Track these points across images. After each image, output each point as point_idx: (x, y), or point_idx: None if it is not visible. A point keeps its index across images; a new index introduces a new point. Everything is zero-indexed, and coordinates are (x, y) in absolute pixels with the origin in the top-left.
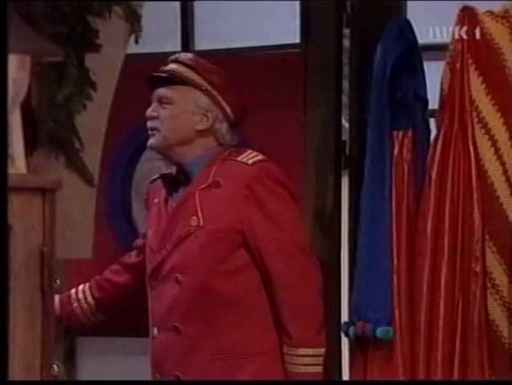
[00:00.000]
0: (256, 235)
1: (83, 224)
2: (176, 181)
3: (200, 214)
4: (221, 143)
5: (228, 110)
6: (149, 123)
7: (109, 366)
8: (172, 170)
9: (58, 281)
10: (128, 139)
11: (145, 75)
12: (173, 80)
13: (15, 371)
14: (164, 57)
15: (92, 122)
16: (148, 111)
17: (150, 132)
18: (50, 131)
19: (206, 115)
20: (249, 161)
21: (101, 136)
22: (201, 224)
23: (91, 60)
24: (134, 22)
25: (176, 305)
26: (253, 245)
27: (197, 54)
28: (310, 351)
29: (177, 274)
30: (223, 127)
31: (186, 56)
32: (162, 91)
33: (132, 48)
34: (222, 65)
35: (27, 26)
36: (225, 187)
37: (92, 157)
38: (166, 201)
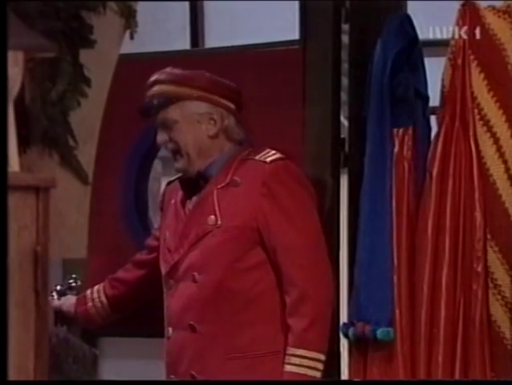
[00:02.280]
0: (271, 232)
1: (78, 223)
2: (194, 183)
3: (217, 213)
4: (233, 140)
5: (227, 103)
6: (166, 148)
7: (131, 369)
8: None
9: (78, 281)
10: (142, 138)
11: (138, 107)
12: (165, 102)
13: (9, 372)
14: (174, 55)
15: (87, 119)
16: (158, 140)
17: (173, 157)
18: (44, 129)
19: (212, 118)
20: (268, 159)
21: (96, 134)
22: (219, 223)
23: (85, 56)
24: (129, 17)
25: (192, 304)
26: (268, 242)
27: (205, 53)
28: (309, 354)
29: (194, 273)
30: (231, 121)
31: (163, 74)
32: (161, 116)
33: (143, 47)
34: (223, 62)
35: (21, 22)
36: (243, 185)
37: (87, 155)
38: (183, 203)
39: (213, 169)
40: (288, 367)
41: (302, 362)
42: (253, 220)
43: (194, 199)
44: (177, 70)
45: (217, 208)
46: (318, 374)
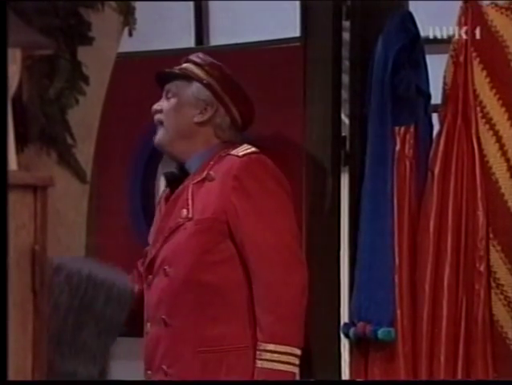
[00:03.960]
0: (240, 225)
1: (76, 222)
2: (177, 179)
3: (190, 206)
4: (222, 139)
5: (231, 105)
6: (155, 117)
7: (131, 368)
8: (175, 169)
9: None
10: (149, 136)
11: (155, 73)
12: (179, 76)
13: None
14: (177, 53)
15: (85, 117)
16: (154, 106)
17: (157, 128)
18: (42, 127)
19: (206, 108)
20: (240, 153)
21: (94, 132)
22: (190, 215)
23: (83, 53)
24: (128, 14)
25: (164, 298)
26: (236, 235)
27: (206, 51)
28: (280, 348)
29: (165, 267)
30: (224, 121)
31: (196, 55)
32: (168, 86)
33: (149, 45)
34: (226, 60)
35: (19, 19)
36: (217, 179)
37: (85, 153)
38: (167, 199)
39: (195, 164)
40: (259, 363)
41: (273, 356)
42: (223, 213)
43: (173, 195)
44: (205, 56)
45: (190, 202)
46: (293, 369)
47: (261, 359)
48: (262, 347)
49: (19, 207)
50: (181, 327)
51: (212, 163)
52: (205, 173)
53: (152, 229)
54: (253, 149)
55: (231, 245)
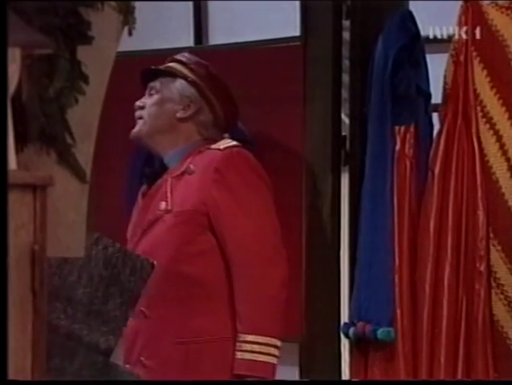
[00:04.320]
0: (221, 218)
1: (76, 222)
2: (155, 175)
3: (169, 199)
4: (205, 136)
5: (215, 103)
6: (136, 114)
7: None
8: (154, 165)
9: None
10: None
11: (141, 69)
12: (164, 73)
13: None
14: (177, 52)
15: (84, 116)
16: (136, 102)
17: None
18: (41, 126)
19: (189, 105)
20: (222, 146)
21: (94, 131)
22: (169, 208)
23: (83, 53)
24: (127, 13)
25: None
26: (217, 226)
27: (205, 50)
28: (260, 339)
29: None
30: (208, 119)
31: (181, 54)
32: (152, 84)
33: (148, 44)
34: (225, 60)
35: (18, 18)
36: (197, 173)
37: (85, 153)
38: (144, 195)
39: (174, 159)
40: (239, 354)
41: (253, 348)
42: (203, 205)
43: (151, 189)
44: (190, 55)
45: (169, 195)
46: (272, 360)
47: (241, 350)
48: (241, 338)
49: (19, 206)
50: (161, 319)
51: (191, 157)
52: (184, 167)
53: (130, 225)
54: (235, 143)
55: (211, 237)
